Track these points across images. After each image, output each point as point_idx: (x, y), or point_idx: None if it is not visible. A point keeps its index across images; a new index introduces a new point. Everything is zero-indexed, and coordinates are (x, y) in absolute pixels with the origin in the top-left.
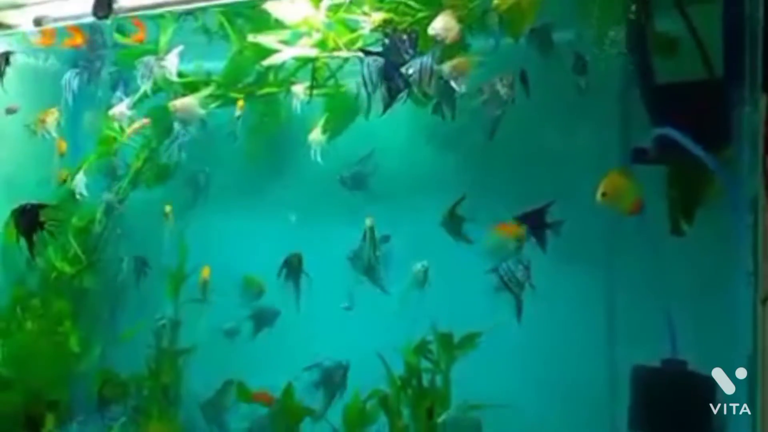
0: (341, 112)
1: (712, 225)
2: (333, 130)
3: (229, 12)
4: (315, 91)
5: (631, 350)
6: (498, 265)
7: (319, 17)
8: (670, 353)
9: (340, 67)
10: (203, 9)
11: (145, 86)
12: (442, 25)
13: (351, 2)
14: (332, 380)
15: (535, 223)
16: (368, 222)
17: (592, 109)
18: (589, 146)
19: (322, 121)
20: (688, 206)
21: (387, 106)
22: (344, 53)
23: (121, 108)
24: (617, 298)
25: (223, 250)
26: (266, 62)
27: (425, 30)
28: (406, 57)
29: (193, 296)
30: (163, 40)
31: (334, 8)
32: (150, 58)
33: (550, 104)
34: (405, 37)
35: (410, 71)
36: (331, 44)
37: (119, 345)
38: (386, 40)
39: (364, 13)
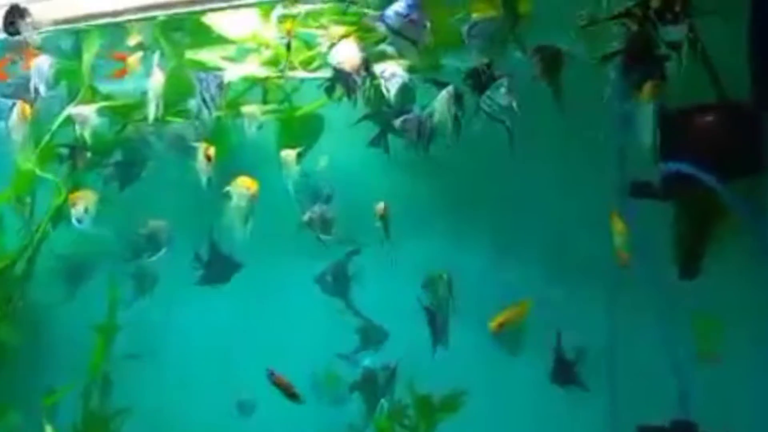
0: (298, 138)
1: (730, 265)
2: None
3: (165, 25)
4: (268, 116)
5: (635, 409)
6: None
7: (270, 31)
8: (680, 413)
9: (296, 88)
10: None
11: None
12: (344, 55)
13: (306, 14)
14: (374, 384)
15: None
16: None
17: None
18: (585, 179)
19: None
20: (700, 246)
21: None
22: (300, 73)
23: (85, 111)
24: (620, 351)
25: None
26: None
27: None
28: (357, 79)
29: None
30: (87, 57)
31: (287, 20)
32: (44, 61)
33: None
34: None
35: (407, 126)
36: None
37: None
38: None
39: (322, 27)
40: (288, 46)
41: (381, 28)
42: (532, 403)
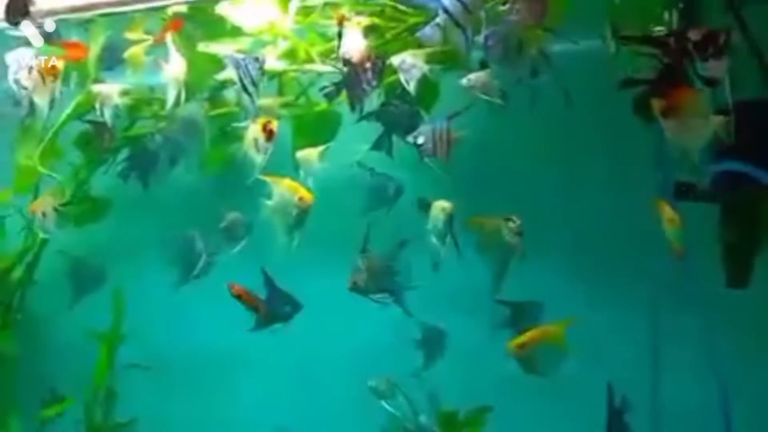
0: (314, 135)
1: None
2: None
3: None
4: (283, 111)
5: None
6: None
7: (287, 23)
8: None
9: (313, 83)
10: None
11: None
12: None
13: (326, 3)
14: None
15: None
16: None
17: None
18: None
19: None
20: (751, 251)
21: None
22: (318, 66)
23: (107, 89)
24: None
25: (171, 305)
26: (221, 76)
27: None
28: (366, 89)
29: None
30: (94, 49)
31: (305, 12)
32: (25, 52)
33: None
34: (368, 65)
35: (420, 141)
36: (302, 55)
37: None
38: (345, 69)
39: (343, 17)
40: (339, 35)
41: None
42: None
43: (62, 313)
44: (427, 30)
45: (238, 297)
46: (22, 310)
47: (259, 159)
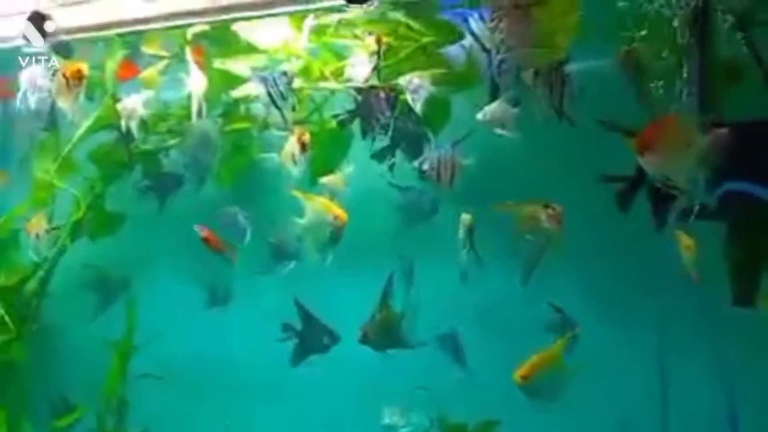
0: (327, 152)
1: None
2: (317, 171)
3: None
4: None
5: None
6: None
7: (301, 41)
8: None
9: (326, 99)
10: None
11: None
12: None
13: (339, 23)
14: None
15: None
16: None
17: None
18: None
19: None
20: (757, 269)
21: None
22: (331, 84)
23: (131, 103)
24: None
25: (185, 316)
26: (238, 92)
27: None
28: (381, 118)
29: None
30: (110, 66)
31: (319, 31)
32: (34, 70)
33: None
34: (382, 95)
35: (424, 167)
36: (315, 73)
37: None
38: (359, 97)
39: (356, 37)
40: (378, 55)
41: (460, 26)
42: None
43: (76, 323)
44: (453, 50)
45: (206, 241)
46: (37, 321)
47: (295, 171)
